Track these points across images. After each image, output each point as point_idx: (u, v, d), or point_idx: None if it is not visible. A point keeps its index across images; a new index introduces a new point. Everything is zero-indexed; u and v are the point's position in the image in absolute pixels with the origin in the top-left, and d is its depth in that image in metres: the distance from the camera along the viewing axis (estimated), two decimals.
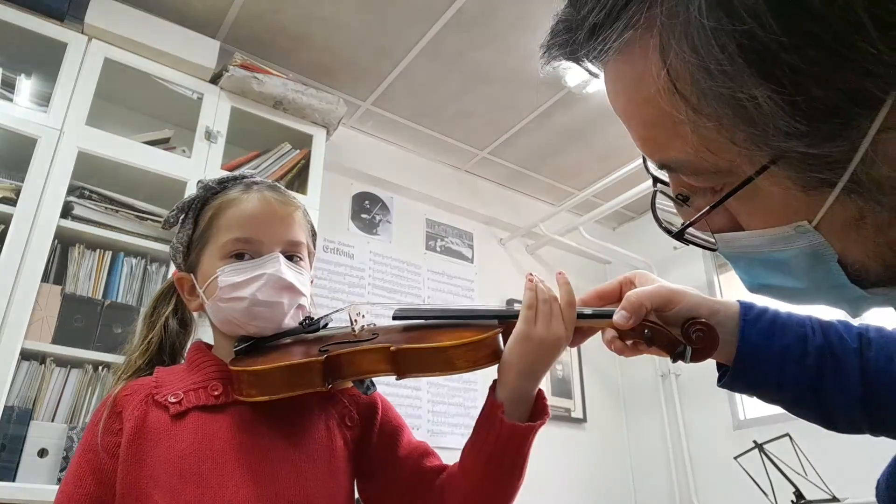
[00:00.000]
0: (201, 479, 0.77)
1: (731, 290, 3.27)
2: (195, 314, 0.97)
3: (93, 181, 2.07)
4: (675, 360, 0.74)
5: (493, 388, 0.81)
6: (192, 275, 0.91)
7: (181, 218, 0.94)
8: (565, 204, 3.38)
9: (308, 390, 0.80)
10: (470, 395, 2.99)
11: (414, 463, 0.90)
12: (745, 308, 0.75)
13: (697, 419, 3.20)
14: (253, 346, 0.87)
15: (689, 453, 3.18)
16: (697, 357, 0.73)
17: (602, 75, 0.47)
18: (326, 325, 0.92)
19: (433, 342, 0.78)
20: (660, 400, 3.36)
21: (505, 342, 0.80)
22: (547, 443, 2.42)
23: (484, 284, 3.29)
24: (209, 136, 2.26)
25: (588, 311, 0.79)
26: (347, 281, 2.85)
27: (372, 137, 3.15)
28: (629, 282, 0.82)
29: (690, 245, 0.48)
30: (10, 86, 2.03)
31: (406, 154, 3.24)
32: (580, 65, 0.47)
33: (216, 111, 2.32)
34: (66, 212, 1.97)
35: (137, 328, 0.96)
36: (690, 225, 0.46)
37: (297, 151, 2.53)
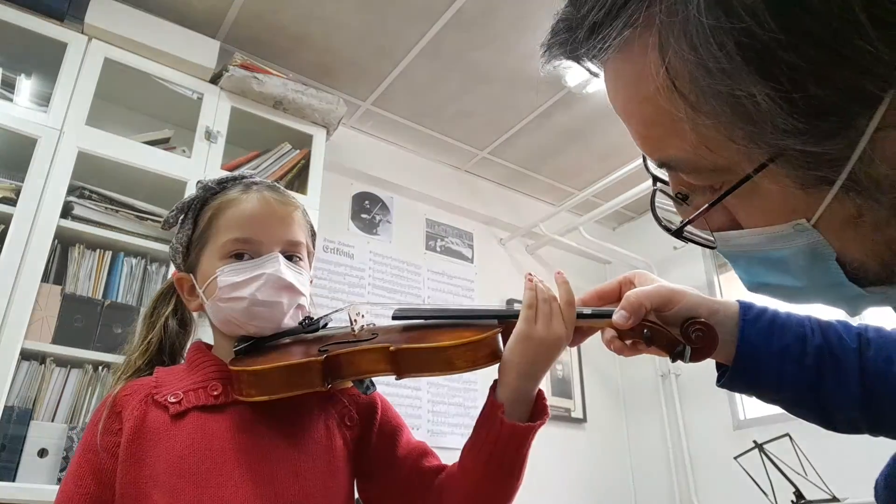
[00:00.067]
0: (201, 479, 0.77)
1: (731, 290, 3.27)
2: (195, 314, 0.97)
3: (93, 181, 2.07)
4: (674, 359, 0.74)
5: (493, 388, 0.81)
6: (191, 275, 0.91)
7: (181, 218, 0.94)
8: (565, 204, 3.38)
9: (308, 390, 0.81)
10: (470, 395, 2.99)
11: (413, 463, 0.90)
12: (745, 308, 0.75)
13: (697, 419, 3.20)
14: (253, 346, 0.87)
15: (689, 453, 3.18)
16: (697, 357, 0.73)
17: (602, 75, 0.47)
18: (326, 325, 0.92)
19: (432, 342, 0.78)
20: (660, 400, 3.36)
21: (505, 342, 0.80)
22: (547, 443, 2.42)
23: (484, 284, 3.29)
24: (209, 136, 2.26)
25: (587, 310, 0.79)
26: (347, 281, 2.85)
27: (372, 137, 3.15)
28: (629, 282, 0.82)
29: (690, 243, 0.48)
30: (10, 86, 2.03)
31: (406, 154, 3.24)
32: (580, 64, 0.47)
33: (216, 111, 2.32)
34: (66, 212, 1.97)
35: (137, 328, 0.96)
36: (690, 222, 0.46)
37: (297, 151, 2.53)
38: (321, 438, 0.86)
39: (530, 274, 0.81)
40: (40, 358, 1.84)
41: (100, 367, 1.91)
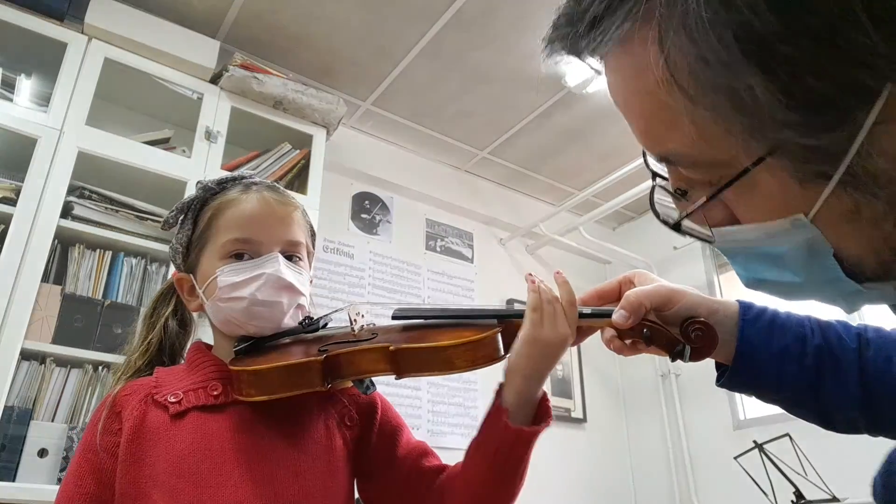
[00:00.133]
0: (200, 479, 0.77)
1: (731, 290, 3.26)
2: (195, 314, 0.97)
3: (93, 181, 2.07)
4: (673, 359, 0.74)
5: (498, 391, 0.80)
6: (191, 275, 0.91)
7: (180, 219, 0.94)
8: (565, 204, 3.38)
9: (307, 390, 0.81)
10: (470, 395, 2.99)
11: (413, 463, 0.90)
12: (745, 308, 0.75)
13: (697, 419, 3.20)
14: (252, 346, 0.87)
15: (689, 453, 3.18)
16: (696, 356, 0.73)
17: (602, 70, 0.47)
18: (326, 324, 0.92)
19: (432, 342, 0.78)
20: (660, 400, 3.36)
21: (504, 342, 0.79)
22: (547, 443, 2.40)
23: (484, 284, 3.29)
24: (209, 136, 2.26)
25: (587, 310, 0.79)
26: (347, 281, 2.85)
27: (372, 137, 3.15)
28: (628, 281, 0.82)
29: (688, 237, 0.48)
30: (10, 86, 2.03)
31: (406, 154, 3.24)
32: (581, 59, 0.47)
33: (216, 111, 2.32)
34: (66, 212, 1.97)
35: (137, 329, 0.96)
36: (689, 215, 0.46)
37: (297, 151, 2.53)
38: (321, 438, 0.86)
39: (531, 275, 0.81)
40: (40, 358, 1.84)
41: (100, 367, 1.91)
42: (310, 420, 0.87)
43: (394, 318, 0.88)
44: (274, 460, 0.81)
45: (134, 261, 2.09)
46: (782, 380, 0.72)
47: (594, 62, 0.47)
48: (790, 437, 2.32)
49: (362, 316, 0.87)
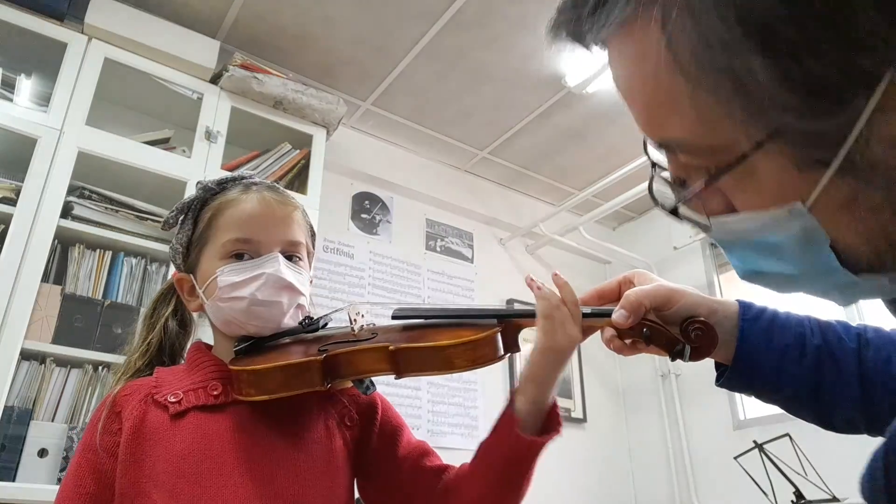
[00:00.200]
0: (200, 479, 0.77)
1: (731, 290, 3.26)
2: (195, 315, 0.97)
3: (93, 181, 2.08)
4: (673, 358, 0.74)
5: (511, 399, 0.80)
6: (191, 275, 0.91)
7: (180, 219, 0.94)
8: (565, 204, 3.38)
9: (307, 389, 0.81)
10: (470, 395, 2.99)
11: (414, 462, 0.90)
12: (744, 307, 0.75)
13: (697, 419, 3.20)
14: (252, 346, 0.87)
15: (689, 453, 3.18)
16: (696, 356, 0.73)
17: (605, 58, 0.47)
18: (326, 324, 0.92)
19: (432, 341, 0.78)
20: (660, 400, 3.36)
21: (504, 342, 0.80)
22: None
23: (484, 284, 3.29)
24: (209, 136, 2.26)
25: (587, 309, 0.79)
26: (347, 281, 2.85)
27: (372, 137, 3.15)
28: (628, 281, 0.82)
29: (686, 222, 0.48)
30: (10, 86, 2.03)
31: (406, 154, 3.24)
32: (584, 44, 0.47)
33: (216, 111, 2.32)
34: (66, 212, 1.97)
35: (137, 329, 0.96)
36: (687, 201, 0.46)
37: (297, 151, 2.53)
38: (321, 438, 0.86)
39: (531, 278, 0.81)
40: (40, 358, 1.84)
41: (100, 367, 1.91)
42: (310, 420, 0.87)
43: (394, 317, 0.89)
44: (274, 460, 0.81)
45: (134, 261, 2.09)
46: (782, 380, 0.72)
47: (597, 49, 0.47)
48: (790, 437, 2.32)
49: (362, 316, 0.87)
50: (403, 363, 0.78)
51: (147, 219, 2.12)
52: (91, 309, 1.94)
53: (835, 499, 2.19)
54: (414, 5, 2.38)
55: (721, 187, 0.44)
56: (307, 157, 2.53)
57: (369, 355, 0.80)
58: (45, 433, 1.76)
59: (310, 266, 0.95)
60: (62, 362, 1.87)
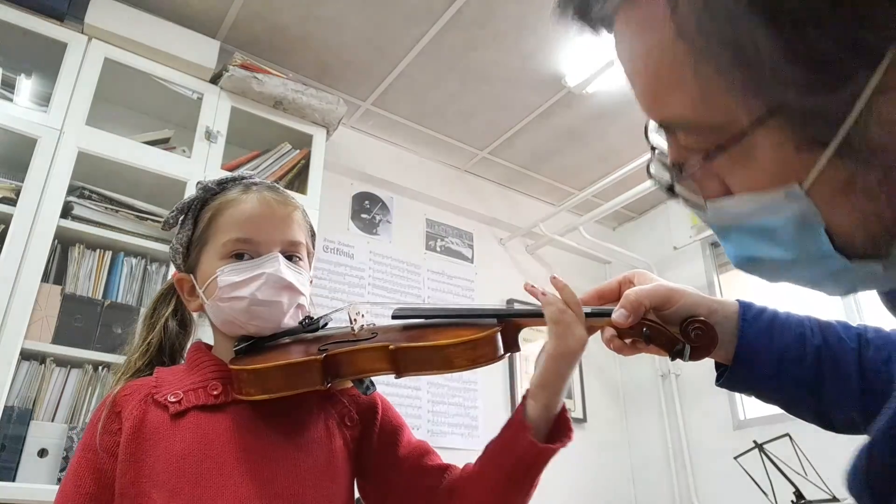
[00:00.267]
0: (201, 479, 0.77)
1: (731, 290, 3.27)
2: (195, 315, 0.97)
3: (93, 181, 2.08)
4: (673, 358, 0.74)
5: (522, 404, 0.80)
6: (191, 275, 0.91)
7: (181, 219, 0.94)
8: (565, 204, 3.38)
9: (307, 389, 0.81)
10: (470, 395, 2.99)
11: (414, 462, 0.90)
12: (744, 307, 0.75)
13: (697, 419, 3.20)
14: (253, 346, 0.87)
15: (689, 453, 3.18)
16: (696, 356, 0.73)
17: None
18: (326, 324, 0.92)
19: (431, 341, 0.78)
20: (660, 400, 3.36)
21: (504, 341, 0.79)
22: None
23: (484, 284, 3.29)
24: (209, 136, 2.26)
25: (587, 309, 0.79)
26: (347, 281, 2.85)
27: (372, 137, 3.15)
28: (628, 281, 0.82)
29: (682, 202, 0.48)
30: (10, 86, 2.03)
31: (406, 154, 3.24)
32: (590, 24, 0.47)
33: (216, 111, 2.32)
34: (66, 212, 1.97)
35: (137, 329, 0.96)
36: (684, 179, 0.46)
37: (297, 151, 2.53)
38: (321, 438, 0.86)
39: (531, 285, 0.81)
40: (40, 358, 1.84)
41: (100, 367, 1.91)
42: (310, 420, 0.87)
43: (394, 317, 0.89)
44: (274, 460, 0.81)
45: (134, 261, 2.09)
46: (782, 380, 0.72)
47: (603, 33, 0.47)
48: (790, 437, 2.32)
49: (362, 316, 0.87)
50: (403, 363, 0.78)
51: (147, 219, 2.12)
52: (91, 309, 1.94)
53: (835, 499, 2.19)
54: (414, 5, 2.38)
55: (718, 170, 0.44)
56: (307, 157, 2.53)
57: (369, 355, 0.80)
58: (45, 433, 1.76)
59: (310, 266, 0.95)
60: (62, 362, 1.87)
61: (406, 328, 0.86)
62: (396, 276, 3.02)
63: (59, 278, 1.95)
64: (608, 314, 0.76)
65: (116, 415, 0.82)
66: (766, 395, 0.75)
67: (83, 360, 1.89)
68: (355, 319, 0.87)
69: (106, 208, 2.07)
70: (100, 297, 1.98)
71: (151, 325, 0.94)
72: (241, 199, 0.91)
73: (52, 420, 1.81)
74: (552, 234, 3.38)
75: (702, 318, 0.72)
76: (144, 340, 0.93)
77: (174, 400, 0.82)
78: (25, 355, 1.80)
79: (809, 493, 2.24)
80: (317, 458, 0.84)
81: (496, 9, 2.38)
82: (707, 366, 0.78)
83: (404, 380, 2.72)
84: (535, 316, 0.79)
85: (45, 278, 1.87)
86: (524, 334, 0.83)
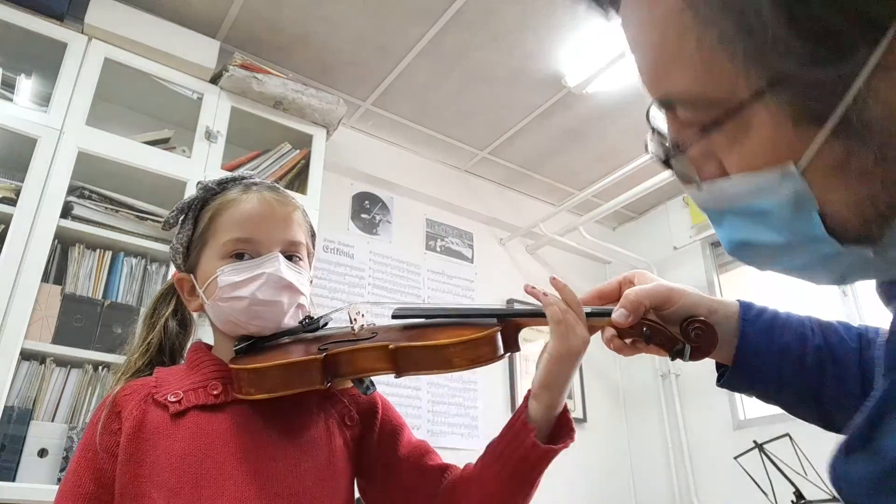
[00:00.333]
0: (201, 479, 0.77)
1: (731, 290, 3.27)
2: (195, 315, 0.97)
3: (93, 181, 2.08)
4: (673, 358, 0.74)
5: (524, 405, 0.80)
6: (191, 275, 0.91)
7: (181, 219, 0.94)
8: (565, 204, 3.38)
9: (307, 388, 0.81)
10: (470, 395, 2.99)
11: (414, 462, 0.90)
12: (745, 307, 0.75)
13: (697, 419, 3.20)
14: (253, 346, 0.87)
15: (689, 453, 3.18)
16: (696, 355, 0.73)
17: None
18: (326, 324, 0.92)
19: (431, 340, 0.78)
20: (660, 400, 3.36)
21: (504, 341, 0.79)
22: None
23: (484, 284, 3.29)
24: (209, 136, 2.26)
25: (587, 309, 0.79)
26: (347, 281, 2.85)
27: (372, 137, 3.15)
28: (628, 281, 0.82)
29: (678, 178, 0.48)
30: (10, 86, 2.03)
31: (406, 154, 3.24)
32: (599, 3, 0.48)
33: (216, 111, 2.32)
34: (66, 212, 1.97)
35: (137, 329, 0.96)
36: (681, 153, 0.46)
37: (297, 151, 2.53)
38: (321, 438, 0.86)
39: (532, 287, 0.81)
40: (40, 358, 1.84)
41: (100, 367, 1.91)
42: (310, 420, 0.87)
43: (394, 317, 0.89)
44: (274, 459, 0.81)
45: (134, 261, 2.09)
46: (783, 380, 0.72)
47: (612, 13, 0.47)
48: (790, 437, 2.32)
49: (362, 315, 0.87)
50: (403, 362, 0.78)
51: (147, 219, 2.12)
52: (91, 309, 1.94)
53: (835, 499, 2.18)
54: (414, 5, 2.38)
55: (715, 148, 0.44)
56: (307, 157, 2.53)
57: (369, 354, 0.80)
58: (45, 433, 1.76)
59: (310, 266, 0.95)
60: (62, 362, 1.87)
61: (406, 328, 0.86)
62: (396, 276, 3.02)
63: (59, 278, 1.95)
64: (608, 314, 0.76)
65: (116, 415, 0.82)
66: (766, 396, 0.75)
67: (83, 360, 1.89)
68: (355, 319, 0.87)
69: (106, 208, 2.07)
70: (100, 297, 1.98)
71: (151, 325, 0.94)
72: (242, 199, 0.91)
73: (52, 420, 1.81)
74: (552, 234, 3.39)
75: (702, 318, 0.72)
76: (144, 340, 0.93)
77: (174, 400, 0.82)
78: (25, 355, 1.80)
79: (809, 493, 2.24)
80: (317, 458, 0.84)
81: (496, 9, 2.38)
82: (707, 366, 0.78)
83: (404, 380, 2.73)
84: (535, 315, 0.79)
85: (45, 278, 1.87)
86: (524, 334, 0.83)
